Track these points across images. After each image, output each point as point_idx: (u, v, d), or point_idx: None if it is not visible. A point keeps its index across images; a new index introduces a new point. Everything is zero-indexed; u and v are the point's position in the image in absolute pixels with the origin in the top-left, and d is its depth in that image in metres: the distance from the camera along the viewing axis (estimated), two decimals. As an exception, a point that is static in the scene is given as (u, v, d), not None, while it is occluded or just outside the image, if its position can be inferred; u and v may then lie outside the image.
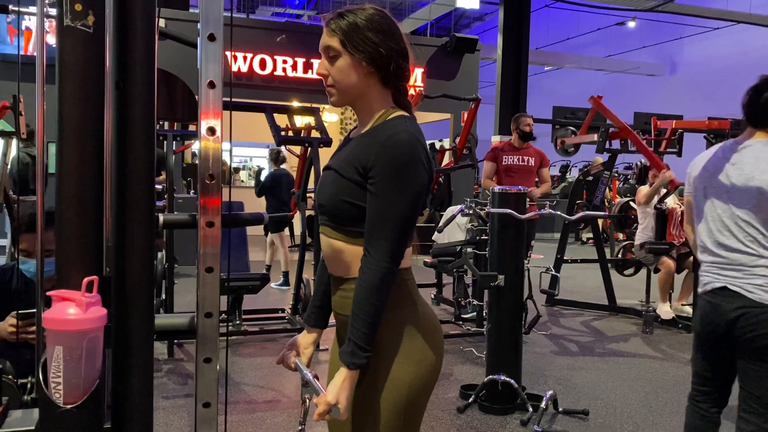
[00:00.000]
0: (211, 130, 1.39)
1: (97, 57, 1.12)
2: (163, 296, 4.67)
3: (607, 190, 11.62)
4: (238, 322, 5.12)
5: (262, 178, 8.53)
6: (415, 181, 1.40)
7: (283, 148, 7.20)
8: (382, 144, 1.40)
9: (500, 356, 3.74)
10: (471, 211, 4.29)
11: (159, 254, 4.72)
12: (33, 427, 1.10)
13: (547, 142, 13.30)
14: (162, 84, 1.35)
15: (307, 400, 1.42)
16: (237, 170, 15.03)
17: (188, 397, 3.68)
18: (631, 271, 7.06)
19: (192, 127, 6.20)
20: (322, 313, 1.66)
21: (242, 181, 14.38)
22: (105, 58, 1.14)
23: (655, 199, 5.87)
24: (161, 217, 1.64)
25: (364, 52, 1.44)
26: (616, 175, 12.43)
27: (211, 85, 1.37)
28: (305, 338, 1.66)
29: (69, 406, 1.01)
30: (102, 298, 1.10)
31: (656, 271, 5.96)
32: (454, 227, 5.24)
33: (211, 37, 1.35)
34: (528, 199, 3.91)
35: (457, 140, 7.25)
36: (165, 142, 4.82)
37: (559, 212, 3.90)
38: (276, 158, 7.73)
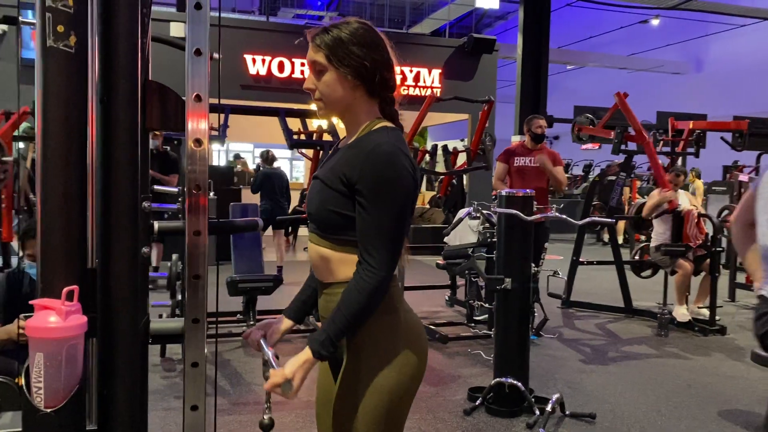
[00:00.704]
0: (198, 142, 1.43)
1: (79, 76, 1.17)
2: (179, 298, 4.75)
3: (627, 190, 11.51)
4: (252, 322, 5.18)
5: None
6: (403, 189, 1.44)
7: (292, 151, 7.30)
8: (366, 157, 1.44)
9: (507, 359, 3.74)
10: (478, 214, 4.29)
11: (174, 256, 4.81)
12: (20, 429, 1.15)
13: (569, 141, 13.20)
14: (156, 95, 1.42)
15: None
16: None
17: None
18: (648, 273, 7.00)
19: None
20: (303, 308, 1.72)
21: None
22: (87, 76, 1.19)
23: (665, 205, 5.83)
24: (156, 225, 1.69)
25: (349, 66, 1.48)
26: (634, 176, 12.27)
27: (198, 98, 1.41)
28: (277, 324, 1.71)
29: (49, 410, 1.06)
30: (88, 295, 1.14)
31: (673, 273, 5.90)
32: (467, 230, 5.24)
33: (197, 52, 1.39)
34: (536, 203, 3.89)
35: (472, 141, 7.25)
36: (180, 146, 4.90)
37: (564, 216, 3.88)
38: (266, 158, 7.78)
